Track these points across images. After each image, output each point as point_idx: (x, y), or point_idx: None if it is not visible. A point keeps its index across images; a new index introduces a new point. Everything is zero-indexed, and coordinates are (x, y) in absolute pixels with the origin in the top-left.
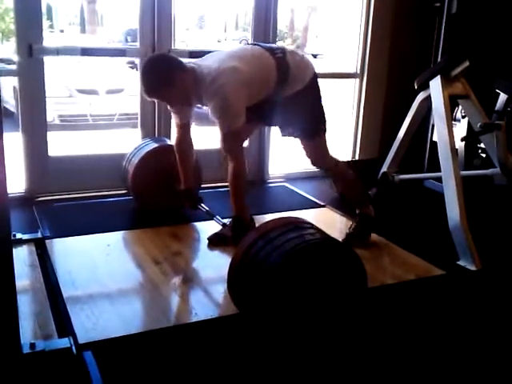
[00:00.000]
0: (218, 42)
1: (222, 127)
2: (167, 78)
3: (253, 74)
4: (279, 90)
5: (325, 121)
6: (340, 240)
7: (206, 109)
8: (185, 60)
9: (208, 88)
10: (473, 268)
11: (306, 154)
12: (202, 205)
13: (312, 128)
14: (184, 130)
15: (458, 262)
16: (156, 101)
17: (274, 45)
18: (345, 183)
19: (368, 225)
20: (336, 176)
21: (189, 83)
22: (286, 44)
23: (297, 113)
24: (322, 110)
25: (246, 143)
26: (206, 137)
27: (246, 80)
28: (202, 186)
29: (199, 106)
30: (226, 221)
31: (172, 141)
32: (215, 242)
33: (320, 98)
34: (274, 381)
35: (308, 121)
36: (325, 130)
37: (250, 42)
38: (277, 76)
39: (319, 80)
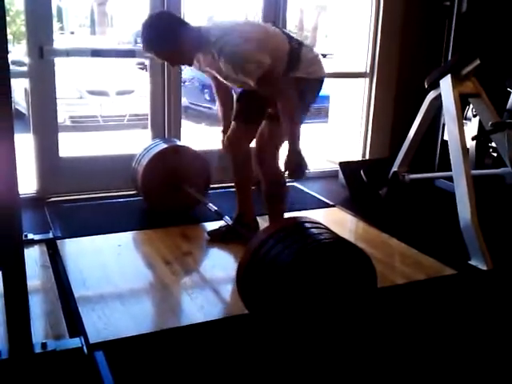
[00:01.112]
0: None
1: (252, 76)
2: (166, 35)
3: (265, 43)
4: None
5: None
6: (350, 240)
7: (218, 71)
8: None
9: (214, 45)
10: (484, 268)
11: (256, 140)
12: (211, 204)
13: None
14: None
15: (470, 262)
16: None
17: (293, 35)
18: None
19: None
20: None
21: (190, 42)
22: None
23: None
24: (304, 111)
25: (253, 143)
26: (213, 137)
27: (256, 38)
28: (211, 186)
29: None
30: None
31: (183, 141)
32: (215, 237)
33: (312, 100)
34: (283, 380)
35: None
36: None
37: None
38: (287, 62)
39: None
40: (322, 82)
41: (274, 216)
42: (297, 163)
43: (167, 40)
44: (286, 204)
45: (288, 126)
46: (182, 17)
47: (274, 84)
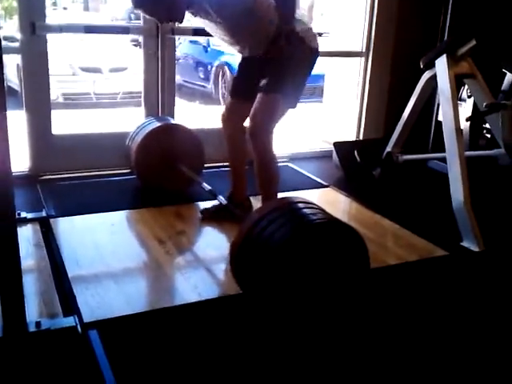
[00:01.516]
0: None
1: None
2: None
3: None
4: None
5: (292, 94)
6: (343, 220)
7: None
8: (192, 38)
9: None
10: (476, 249)
11: (251, 115)
12: (205, 184)
13: (277, 85)
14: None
15: (462, 243)
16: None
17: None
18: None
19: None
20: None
21: None
22: None
23: (279, 65)
24: (298, 86)
25: (247, 122)
26: (207, 116)
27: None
28: (207, 165)
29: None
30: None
31: (177, 119)
32: (207, 215)
33: (306, 74)
34: (276, 361)
35: (280, 77)
36: (286, 100)
37: None
38: (277, 20)
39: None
40: (315, 54)
41: (266, 195)
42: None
43: None
44: (277, 183)
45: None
46: None
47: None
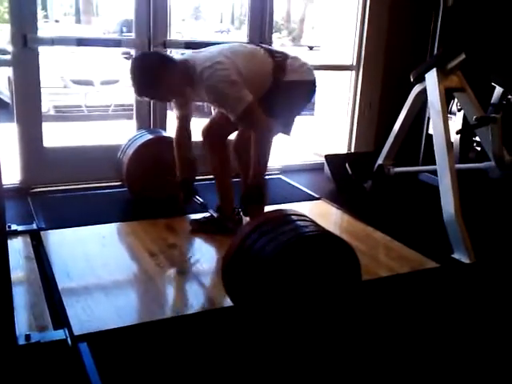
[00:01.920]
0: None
1: (232, 112)
2: (153, 78)
3: (246, 70)
4: (271, 90)
5: (286, 121)
6: (335, 233)
7: (204, 101)
8: (184, 51)
9: (199, 79)
10: (467, 261)
11: (239, 131)
12: (197, 197)
13: (270, 109)
14: (183, 121)
15: (453, 255)
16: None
17: (276, 49)
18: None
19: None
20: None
21: (178, 78)
22: (282, 36)
23: (276, 95)
24: (292, 114)
25: (233, 136)
26: (199, 128)
27: (239, 70)
28: (197, 178)
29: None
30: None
31: (169, 132)
32: (196, 227)
33: (301, 104)
34: (268, 373)
35: (277, 105)
36: (279, 125)
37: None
38: (272, 74)
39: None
40: (312, 83)
41: (253, 210)
42: (255, 200)
43: (155, 86)
44: (265, 198)
45: (256, 157)
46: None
47: (253, 119)
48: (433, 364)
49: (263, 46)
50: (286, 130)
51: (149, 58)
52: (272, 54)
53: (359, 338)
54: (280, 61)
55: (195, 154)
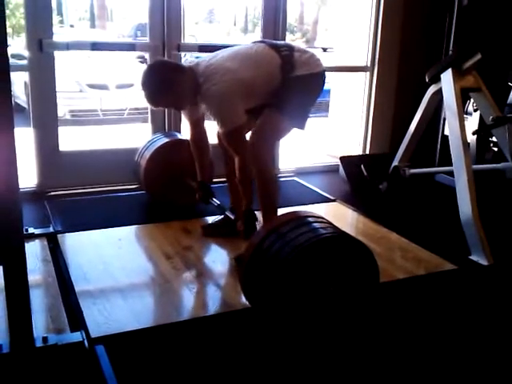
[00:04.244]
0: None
1: (221, 127)
2: (163, 87)
3: (250, 78)
4: (282, 86)
5: (298, 115)
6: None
7: (204, 108)
8: (197, 54)
9: (201, 88)
10: (485, 263)
11: (253, 130)
12: (214, 199)
13: (281, 104)
14: (197, 125)
15: (470, 257)
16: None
17: (281, 42)
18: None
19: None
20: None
21: (187, 85)
22: (296, 38)
23: (286, 91)
24: (305, 107)
25: (248, 135)
26: (214, 131)
27: (241, 80)
28: (214, 180)
29: None
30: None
31: (183, 135)
32: (209, 232)
33: (313, 97)
34: (285, 374)
35: (289, 102)
36: (293, 120)
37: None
38: (280, 72)
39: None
40: (321, 75)
41: (265, 211)
42: (247, 223)
43: (167, 94)
44: (277, 199)
45: (241, 190)
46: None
47: (236, 142)
48: (450, 366)
49: (266, 41)
50: (300, 124)
51: (158, 67)
52: (277, 48)
53: (377, 341)
54: (287, 55)
55: (212, 158)
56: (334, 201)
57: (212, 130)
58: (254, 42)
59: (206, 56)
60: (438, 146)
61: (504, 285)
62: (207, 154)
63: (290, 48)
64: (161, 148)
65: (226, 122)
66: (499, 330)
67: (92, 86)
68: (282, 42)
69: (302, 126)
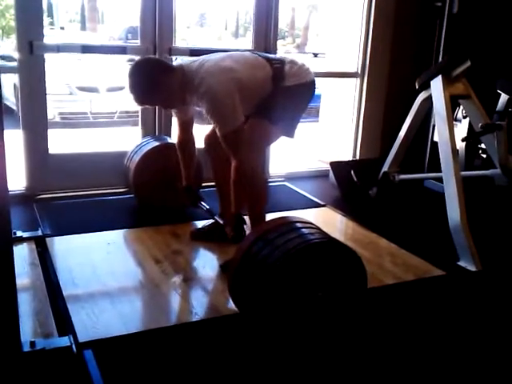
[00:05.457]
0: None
1: (220, 129)
2: (150, 84)
3: (246, 79)
4: (272, 95)
5: (287, 123)
6: (341, 240)
7: (200, 109)
8: (188, 58)
9: (197, 88)
10: (473, 268)
11: None
12: (203, 203)
13: (268, 112)
14: (185, 127)
15: (459, 263)
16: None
17: (272, 55)
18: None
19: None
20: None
21: (175, 85)
22: (287, 43)
23: (277, 100)
24: (294, 117)
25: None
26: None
27: (237, 81)
28: (203, 184)
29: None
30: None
31: (173, 139)
32: (198, 236)
33: (302, 106)
34: (272, 380)
35: (279, 109)
36: (282, 128)
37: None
38: (272, 82)
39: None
40: (311, 84)
41: (255, 217)
42: (236, 228)
43: (153, 92)
44: (265, 204)
45: (233, 195)
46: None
47: (236, 143)
48: (439, 372)
49: (258, 53)
50: (289, 132)
51: (146, 65)
52: (269, 60)
53: (365, 346)
54: (278, 67)
55: (201, 161)
56: (323, 206)
57: (200, 134)
58: (246, 51)
59: (193, 58)
60: (428, 152)
61: (492, 291)
62: (193, 158)
63: (282, 62)
64: (150, 152)
65: (226, 123)
66: (487, 335)
67: (82, 89)
68: (274, 56)
69: (291, 135)
